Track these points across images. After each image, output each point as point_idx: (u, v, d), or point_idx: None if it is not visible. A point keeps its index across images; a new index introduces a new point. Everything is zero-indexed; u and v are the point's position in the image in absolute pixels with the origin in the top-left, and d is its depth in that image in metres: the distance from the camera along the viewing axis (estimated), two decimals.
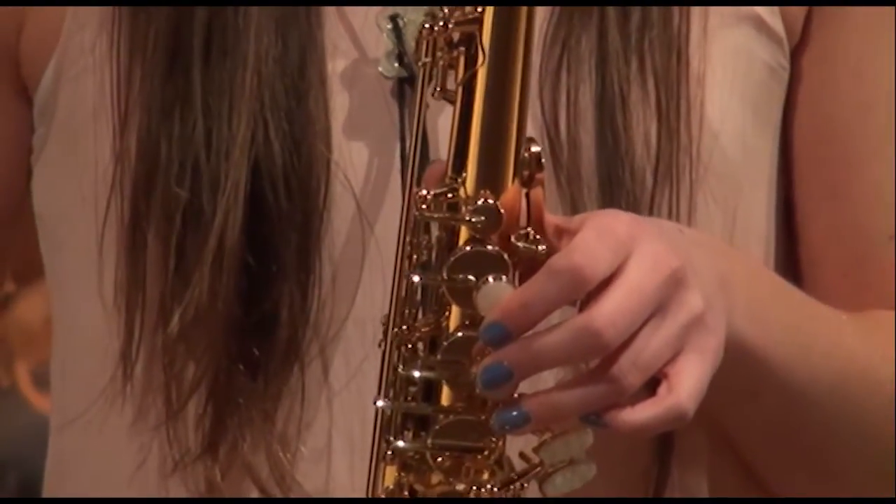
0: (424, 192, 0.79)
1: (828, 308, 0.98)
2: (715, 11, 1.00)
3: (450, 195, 0.79)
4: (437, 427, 0.81)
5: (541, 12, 0.95)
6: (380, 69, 0.93)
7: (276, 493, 0.93)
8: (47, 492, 1.07)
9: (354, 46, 0.97)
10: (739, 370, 0.90)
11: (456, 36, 0.79)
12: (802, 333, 0.95)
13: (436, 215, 0.79)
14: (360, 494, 0.85)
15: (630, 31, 0.97)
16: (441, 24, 0.77)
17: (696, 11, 0.99)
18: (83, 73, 1.00)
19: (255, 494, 0.94)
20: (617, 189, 0.95)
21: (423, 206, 0.79)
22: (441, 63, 0.80)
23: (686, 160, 0.98)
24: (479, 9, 0.78)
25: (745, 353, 0.89)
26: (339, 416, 0.95)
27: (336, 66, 0.97)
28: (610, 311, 0.77)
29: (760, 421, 0.97)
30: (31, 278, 1.18)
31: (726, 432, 1.00)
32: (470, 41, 0.79)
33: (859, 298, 0.99)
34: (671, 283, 0.80)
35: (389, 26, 0.93)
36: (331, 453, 0.95)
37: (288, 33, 0.95)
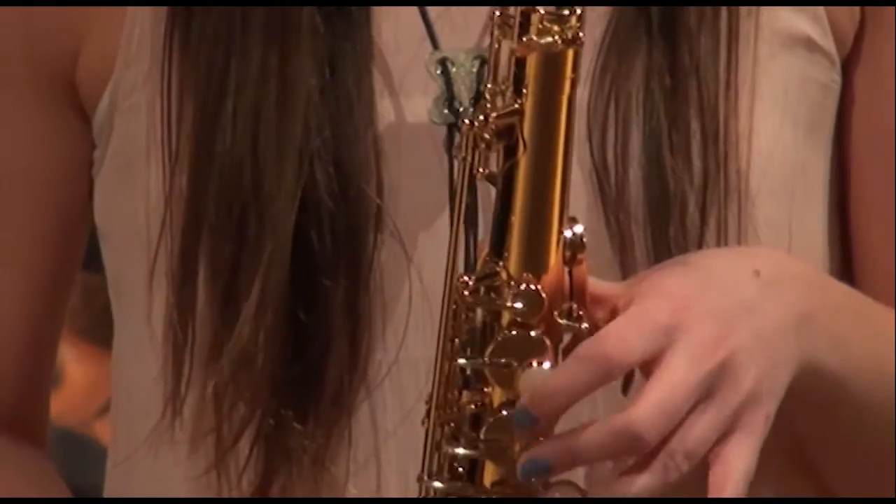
0: (466, 278, 0.79)
1: None
2: (764, 40, 0.99)
3: (492, 279, 0.79)
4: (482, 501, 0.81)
5: (588, 50, 0.94)
6: (429, 115, 0.93)
7: None
8: None
9: (403, 89, 0.96)
10: (817, 393, 0.90)
11: (497, 125, 0.78)
12: (882, 359, 0.94)
13: (477, 303, 0.79)
14: None
15: (677, 69, 0.96)
16: (482, 117, 0.77)
17: (744, 40, 0.98)
18: (137, 107, 1.01)
19: None
20: (665, 224, 0.95)
21: (465, 293, 0.79)
22: (483, 146, 0.79)
23: (735, 193, 0.97)
24: (519, 101, 0.77)
25: (823, 379, 0.89)
26: (392, 457, 0.96)
27: (384, 109, 0.96)
28: (650, 412, 0.77)
29: (836, 437, 0.98)
30: None
31: (794, 453, 1.00)
32: (510, 130, 0.78)
33: None
34: (718, 372, 0.80)
35: (438, 70, 0.93)
36: (380, 495, 0.96)
37: (336, 76, 0.95)
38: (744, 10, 0.98)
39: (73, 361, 3.43)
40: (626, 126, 0.96)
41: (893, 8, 1.02)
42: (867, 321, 0.96)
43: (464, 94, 0.92)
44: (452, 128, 0.94)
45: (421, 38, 0.96)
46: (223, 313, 0.97)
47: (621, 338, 0.79)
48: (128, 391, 1.08)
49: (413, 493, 0.89)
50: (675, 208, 0.95)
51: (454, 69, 0.93)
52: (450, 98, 0.93)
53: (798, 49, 1.00)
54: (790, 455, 1.02)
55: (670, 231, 0.95)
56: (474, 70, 0.94)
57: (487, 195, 0.88)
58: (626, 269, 0.93)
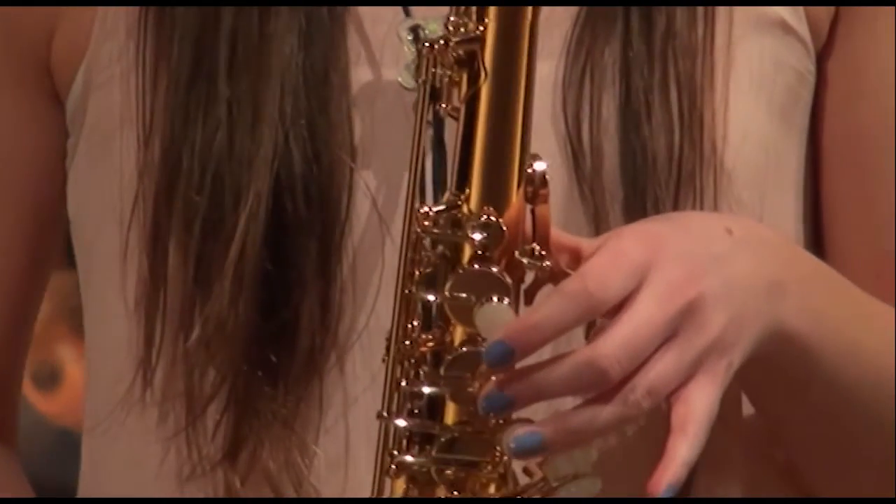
0: (426, 208, 0.79)
1: (883, 306, 0.97)
2: (740, 18, 0.99)
3: (452, 211, 0.79)
4: (441, 441, 0.81)
5: (564, 21, 0.94)
6: (399, 80, 0.93)
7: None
8: (81, 492, 1.09)
9: (376, 57, 0.97)
10: (789, 363, 0.90)
11: (459, 52, 0.78)
12: (854, 330, 0.94)
13: (438, 233, 0.79)
14: None
15: (654, 39, 0.96)
16: (442, 42, 0.77)
17: (720, 19, 0.98)
18: (110, 82, 1.01)
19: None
20: (641, 198, 0.95)
21: (426, 223, 0.79)
22: (446, 80, 0.79)
23: (710, 168, 0.97)
24: (481, 27, 0.77)
25: (794, 346, 0.88)
26: (359, 422, 0.95)
27: (358, 76, 0.97)
28: (615, 346, 0.77)
29: (808, 416, 0.96)
30: None
31: (765, 438, 0.99)
32: (472, 58, 0.78)
33: (892, 301, 0.97)
34: (685, 312, 0.80)
35: (410, 37, 0.93)
36: (348, 460, 0.95)
37: (311, 43, 0.96)
38: None
39: (72, 361, 3.42)
40: (602, 98, 0.97)
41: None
42: (840, 295, 0.96)
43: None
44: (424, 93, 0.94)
45: (398, 9, 0.97)
46: (196, 277, 0.98)
47: (601, 276, 0.79)
48: (101, 361, 1.08)
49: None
50: (650, 182, 0.95)
51: (425, 35, 0.94)
52: (420, 64, 0.94)
53: (774, 31, 1.01)
54: (763, 454, 1.01)
55: (646, 205, 0.95)
56: None
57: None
58: None
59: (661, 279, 0.79)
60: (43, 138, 1.08)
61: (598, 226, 0.94)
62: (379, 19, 0.98)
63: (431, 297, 0.81)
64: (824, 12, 1.02)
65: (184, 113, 0.97)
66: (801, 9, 1.01)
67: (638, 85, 0.96)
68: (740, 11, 1.00)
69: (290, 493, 0.95)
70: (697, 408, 0.79)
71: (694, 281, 0.81)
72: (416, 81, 0.88)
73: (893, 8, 1.03)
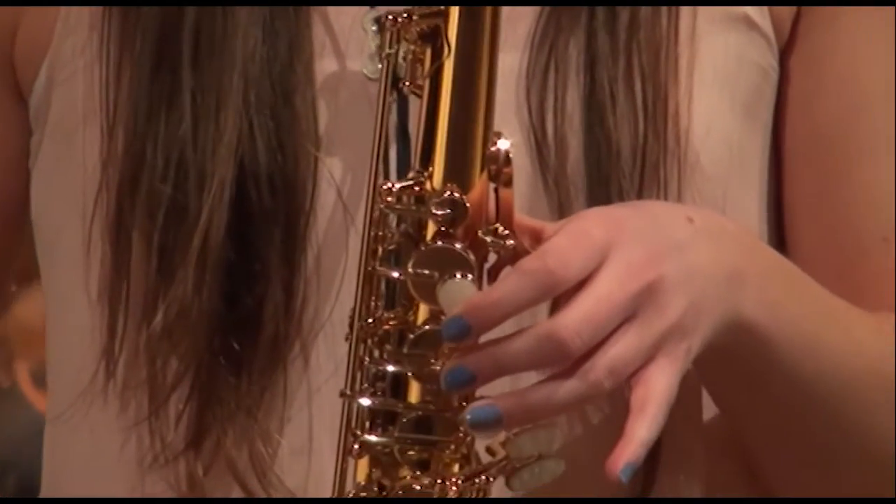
0: (389, 184, 0.79)
1: (843, 303, 0.97)
2: (704, 13, 1.00)
3: (416, 188, 0.79)
4: (404, 421, 0.80)
5: (528, 14, 0.95)
6: (364, 71, 0.93)
7: (258, 488, 0.93)
8: (44, 486, 1.08)
9: (341, 47, 0.97)
10: (747, 355, 0.90)
11: (422, 27, 0.79)
12: (813, 324, 0.94)
13: (401, 209, 0.79)
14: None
15: (618, 31, 0.97)
16: (405, 14, 0.77)
17: (685, 13, 0.99)
18: (74, 76, 1.01)
19: (236, 489, 0.94)
20: (605, 190, 0.95)
21: (389, 199, 0.79)
22: (410, 57, 0.79)
23: (674, 161, 0.97)
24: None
25: (752, 337, 0.88)
26: (322, 411, 0.95)
27: (323, 66, 0.97)
28: (576, 320, 0.77)
29: (767, 411, 0.97)
30: (31, 278, 1.19)
31: (725, 436, 0.99)
32: (436, 34, 0.78)
33: (854, 300, 0.98)
34: (645, 293, 0.80)
35: (374, 28, 0.94)
36: (312, 449, 0.95)
37: (275, 34, 0.96)
38: None
39: None
40: (566, 90, 0.97)
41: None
42: (799, 289, 0.96)
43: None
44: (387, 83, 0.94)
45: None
46: (160, 266, 0.97)
47: (563, 253, 0.79)
48: (63, 352, 1.08)
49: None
50: (613, 173, 0.96)
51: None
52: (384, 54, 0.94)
53: (738, 26, 1.02)
54: (725, 452, 1.01)
55: (610, 196, 0.95)
56: None
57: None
58: None
59: (622, 259, 0.80)
60: (7, 136, 1.07)
61: (563, 217, 0.94)
62: (343, 11, 0.98)
63: (394, 274, 0.80)
64: (787, 10, 1.02)
65: (147, 104, 0.97)
66: (764, 7, 1.02)
67: (602, 77, 0.96)
68: (705, 6, 1.00)
69: (254, 482, 0.94)
70: (657, 389, 0.79)
71: (655, 263, 0.81)
72: (394, 81, 0.88)
73: (854, 8, 1.03)
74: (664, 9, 0.99)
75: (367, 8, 0.97)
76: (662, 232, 0.85)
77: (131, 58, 0.99)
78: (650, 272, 0.81)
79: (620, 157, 0.96)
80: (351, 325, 0.81)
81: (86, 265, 1.00)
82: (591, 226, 0.81)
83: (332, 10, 0.98)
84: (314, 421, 0.96)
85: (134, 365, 0.98)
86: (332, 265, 0.96)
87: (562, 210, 0.95)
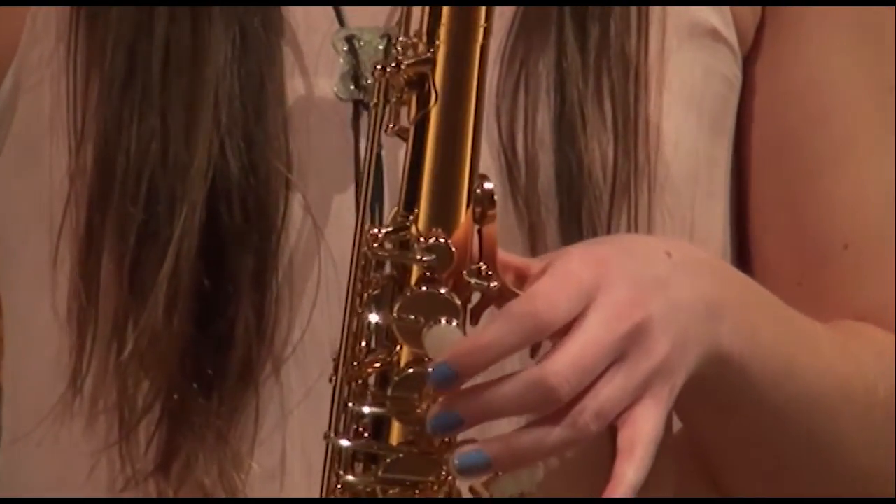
0: (376, 230, 0.79)
1: (811, 323, 0.98)
2: (672, 28, 1.00)
3: (401, 233, 0.79)
4: (387, 461, 0.81)
5: (497, 32, 0.94)
6: (335, 91, 0.93)
7: None
8: None
9: (311, 67, 0.96)
10: (723, 384, 0.91)
11: (409, 74, 0.78)
12: (786, 348, 0.95)
13: (386, 255, 0.79)
14: None
15: (588, 49, 0.97)
16: (393, 64, 0.76)
17: (654, 28, 0.99)
18: (41, 85, 0.99)
19: None
20: (576, 210, 0.95)
21: (375, 245, 0.79)
22: (394, 100, 0.79)
23: (644, 178, 0.97)
24: (432, 49, 0.77)
25: (729, 369, 0.89)
26: (294, 434, 0.95)
27: (294, 86, 0.96)
28: (564, 365, 0.77)
29: (737, 435, 0.98)
30: None
31: (695, 453, 1.00)
32: (423, 80, 0.77)
33: (815, 307, 0.99)
34: (632, 334, 0.80)
35: (345, 48, 0.93)
36: (284, 472, 0.95)
37: (246, 53, 0.95)
38: None
39: None
40: (536, 109, 0.97)
41: (793, 7, 1.04)
42: (772, 313, 0.97)
43: (370, 70, 0.91)
44: (358, 104, 0.94)
45: (332, 18, 0.96)
46: (130, 287, 0.96)
47: (550, 298, 0.79)
48: (24, 370, 1.06)
49: (315, 470, 0.88)
50: (585, 194, 0.96)
51: (360, 45, 0.93)
52: (355, 75, 0.93)
53: (704, 40, 1.02)
54: (694, 469, 1.02)
55: (581, 217, 0.95)
56: (381, 47, 0.94)
57: (394, 159, 0.88)
58: (536, 254, 0.93)
59: (608, 301, 0.80)
60: None
61: (535, 238, 0.94)
62: (313, 29, 0.97)
63: (379, 319, 0.80)
64: (751, 16, 1.03)
65: (117, 120, 0.96)
66: (728, 14, 1.02)
67: (573, 96, 0.96)
68: (673, 21, 1.00)
69: None
70: (644, 430, 0.80)
71: (640, 304, 0.81)
72: (365, 102, 0.87)
73: (818, 13, 1.04)
74: (633, 26, 0.99)
75: (336, 26, 0.96)
76: (645, 269, 0.85)
77: (100, 71, 0.97)
78: (637, 313, 0.81)
79: (591, 177, 0.96)
80: (336, 369, 0.81)
81: (52, 280, 0.99)
82: (577, 267, 0.82)
83: (301, 29, 0.97)
84: (287, 444, 0.96)
85: (102, 387, 0.97)
86: (303, 286, 0.96)
87: (533, 231, 0.95)
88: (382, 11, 0.96)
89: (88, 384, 0.96)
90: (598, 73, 0.97)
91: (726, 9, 1.02)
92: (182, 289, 0.92)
